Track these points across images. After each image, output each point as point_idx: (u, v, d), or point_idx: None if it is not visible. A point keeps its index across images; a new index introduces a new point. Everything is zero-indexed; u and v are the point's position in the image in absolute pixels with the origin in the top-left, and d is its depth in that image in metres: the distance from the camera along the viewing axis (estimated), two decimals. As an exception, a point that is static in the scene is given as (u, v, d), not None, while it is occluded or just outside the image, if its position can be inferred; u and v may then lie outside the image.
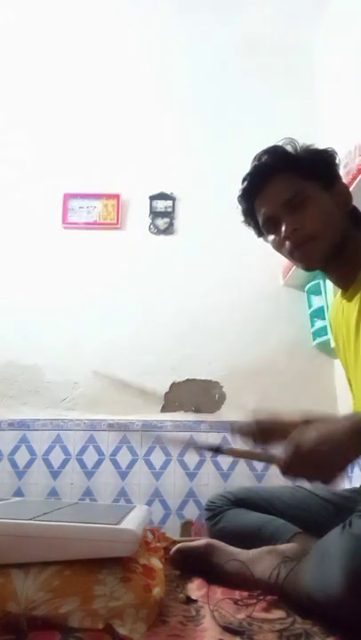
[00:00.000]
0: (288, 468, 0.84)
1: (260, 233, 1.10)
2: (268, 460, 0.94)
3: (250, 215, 1.08)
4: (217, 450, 1.06)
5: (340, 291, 1.12)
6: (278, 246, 1.04)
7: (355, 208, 1.04)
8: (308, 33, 2.57)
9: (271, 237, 1.05)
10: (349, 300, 1.04)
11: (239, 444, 1.16)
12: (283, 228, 0.99)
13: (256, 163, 1.04)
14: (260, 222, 1.05)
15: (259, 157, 1.04)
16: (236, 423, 1.15)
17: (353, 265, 1.01)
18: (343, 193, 1.03)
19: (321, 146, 1.08)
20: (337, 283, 1.09)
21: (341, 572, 0.74)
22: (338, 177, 1.05)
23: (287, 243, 1.00)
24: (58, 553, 0.73)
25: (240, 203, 1.08)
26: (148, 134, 2.56)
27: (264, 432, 1.11)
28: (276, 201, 1.00)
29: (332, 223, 0.99)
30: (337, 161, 1.06)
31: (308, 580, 0.82)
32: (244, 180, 1.06)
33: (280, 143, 1.04)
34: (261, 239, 1.12)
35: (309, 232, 0.98)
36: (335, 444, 0.79)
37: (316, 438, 0.80)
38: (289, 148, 1.04)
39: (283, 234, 0.99)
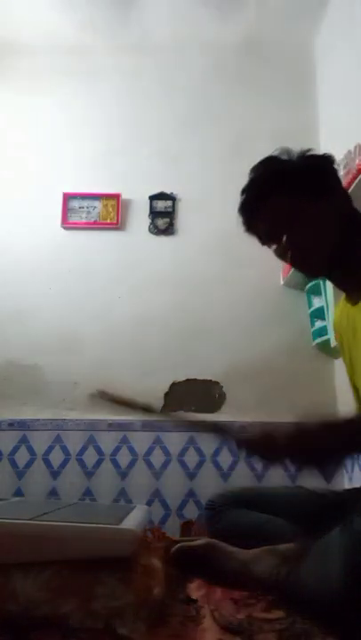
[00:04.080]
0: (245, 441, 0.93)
1: (263, 242, 1.11)
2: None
3: (251, 226, 1.10)
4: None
5: (344, 294, 1.12)
6: (280, 256, 1.07)
7: (355, 212, 1.04)
8: (309, 33, 2.57)
9: (273, 247, 1.07)
10: (354, 304, 1.05)
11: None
12: (283, 241, 1.03)
13: (251, 178, 1.06)
14: (262, 235, 1.08)
15: (254, 171, 1.06)
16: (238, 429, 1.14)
17: (356, 270, 1.03)
18: (340, 200, 1.03)
19: (322, 147, 1.08)
20: (341, 287, 1.10)
21: (342, 569, 0.74)
22: (333, 185, 1.04)
23: (289, 253, 1.04)
24: (58, 553, 0.73)
25: (240, 215, 1.09)
26: (148, 134, 2.56)
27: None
28: (272, 219, 1.04)
29: (327, 235, 1.01)
30: (335, 165, 1.06)
31: (309, 578, 0.82)
32: (241, 194, 1.07)
33: (275, 154, 1.05)
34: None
35: (306, 247, 1.02)
36: (312, 436, 0.87)
37: (296, 430, 0.89)
38: (283, 159, 1.04)
39: (283, 246, 1.03)
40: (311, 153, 1.06)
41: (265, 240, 1.08)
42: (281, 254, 1.06)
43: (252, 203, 1.06)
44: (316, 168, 1.04)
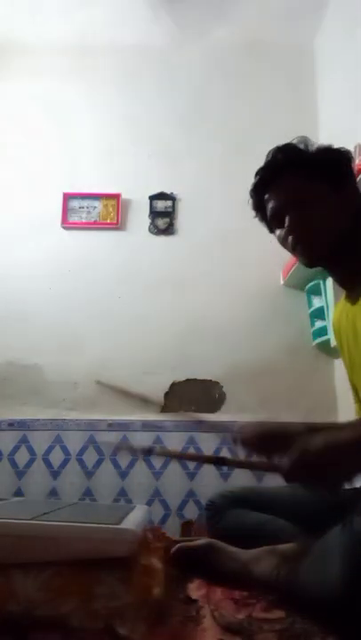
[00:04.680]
0: (292, 473, 0.85)
1: (271, 229, 1.11)
2: (264, 467, 0.95)
3: (260, 209, 1.10)
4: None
5: (344, 294, 1.12)
6: (283, 241, 1.07)
7: None
8: (309, 34, 2.57)
9: (277, 232, 1.08)
10: (354, 303, 1.05)
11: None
12: (286, 224, 1.02)
13: (269, 159, 1.06)
14: (268, 216, 1.08)
15: (272, 154, 1.06)
16: (238, 428, 1.09)
17: (357, 268, 1.02)
18: (352, 195, 1.03)
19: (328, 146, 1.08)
20: (341, 284, 1.09)
21: (342, 568, 0.74)
22: (349, 178, 1.04)
23: (290, 238, 1.03)
24: (58, 553, 0.73)
25: (251, 196, 1.10)
26: (148, 134, 2.56)
27: (267, 441, 1.05)
28: (282, 197, 1.03)
29: (334, 224, 1.01)
30: (352, 162, 1.06)
31: (309, 578, 0.82)
32: (256, 175, 1.08)
33: (294, 141, 1.06)
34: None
35: (310, 230, 1.01)
36: (341, 452, 0.82)
37: (322, 445, 0.82)
38: (302, 147, 1.05)
39: (285, 229, 1.03)
40: (330, 146, 1.07)
41: (271, 221, 1.08)
42: (284, 238, 1.05)
43: (265, 183, 1.07)
44: (333, 159, 1.04)
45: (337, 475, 0.83)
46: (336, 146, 1.08)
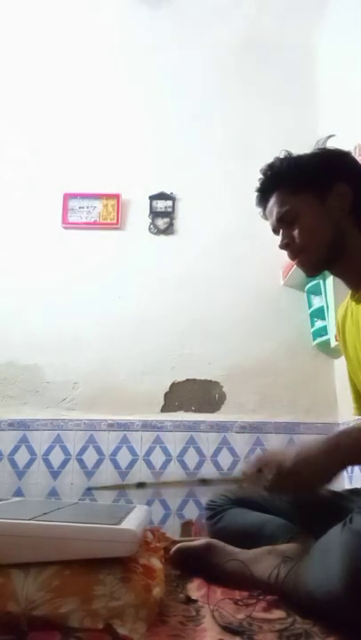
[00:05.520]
0: (272, 488, 0.92)
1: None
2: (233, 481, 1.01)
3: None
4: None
5: (349, 292, 1.12)
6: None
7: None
8: (310, 33, 2.57)
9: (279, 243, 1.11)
10: (359, 301, 1.05)
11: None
12: (280, 240, 1.08)
13: (259, 178, 1.10)
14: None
15: (263, 172, 1.10)
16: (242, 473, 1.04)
17: (359, 267, 1.02)
18: (343, 196, 1.02)
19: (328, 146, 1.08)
20: (347, 283, 1.10)
21: (342, 568, 0.74)
22: (337, 180, 1.03)
23: (287, 252, 1.09)
24: (58, 553, 0.73)
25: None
26: (148, 134, 2.56)
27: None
28: (272, 217, 1.09)
29: (322, 235, 1.03)
30: (340, 162, 1.06)
31: (309, 577, 0.82)
32: (256, 192, 1.13)
33: (281, 155, 1.09)
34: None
35: (298, 246, 1.05)
36: (310, 465, 0.87)
37: (293, 460, 0.88)
38: (283, 164, 1.07)
39: (280, 245, 1.08)
40: (321, 148, 1.09)
41: (275, 234, 1.12)
42: (282, 249, 1.09)
43: (260, 201, 1.12)
44: (318, 167, 1.04)
45: (309, 485, 0.90)
46: (331, 147, 1.08)
